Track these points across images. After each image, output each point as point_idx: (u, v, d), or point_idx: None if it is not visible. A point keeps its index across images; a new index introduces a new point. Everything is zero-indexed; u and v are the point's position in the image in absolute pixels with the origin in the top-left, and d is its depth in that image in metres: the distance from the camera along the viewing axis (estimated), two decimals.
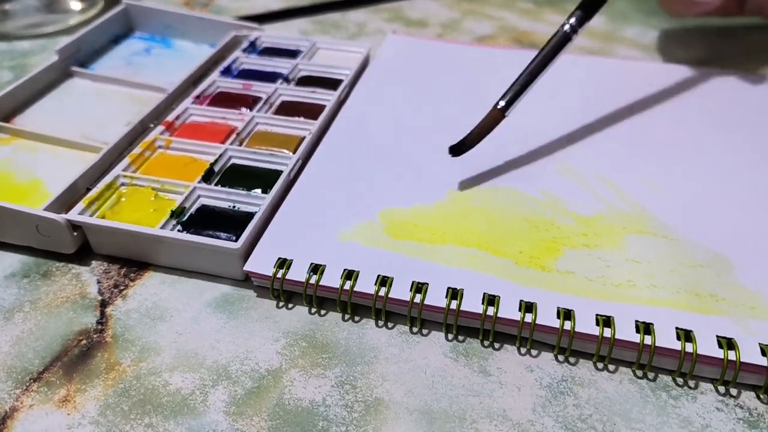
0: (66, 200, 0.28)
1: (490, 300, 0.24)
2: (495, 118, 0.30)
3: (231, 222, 0.28)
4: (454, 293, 0.24)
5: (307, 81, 0.38)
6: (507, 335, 0.25)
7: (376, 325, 0.25)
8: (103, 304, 0.26)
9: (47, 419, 0.22)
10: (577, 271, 0.26)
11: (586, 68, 0.39)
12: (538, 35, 0.47)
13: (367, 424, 0.22)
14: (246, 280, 0.27)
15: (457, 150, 0.30)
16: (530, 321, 0.23)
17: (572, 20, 0.30)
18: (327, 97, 0.36)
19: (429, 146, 0.32)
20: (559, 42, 0.30)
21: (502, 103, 0.30)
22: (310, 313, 0.26)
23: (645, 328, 0.23)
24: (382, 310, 0.25)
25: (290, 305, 0.26)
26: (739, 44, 0.44)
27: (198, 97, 0.36)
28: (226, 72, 0.38)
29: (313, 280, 0.25)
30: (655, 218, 0.28)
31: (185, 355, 0.24)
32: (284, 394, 0.23)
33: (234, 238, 0.26)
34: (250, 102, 0.36)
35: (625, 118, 0.35)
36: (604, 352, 0.24)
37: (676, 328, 0.23)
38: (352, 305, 0.25)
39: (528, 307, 0.24)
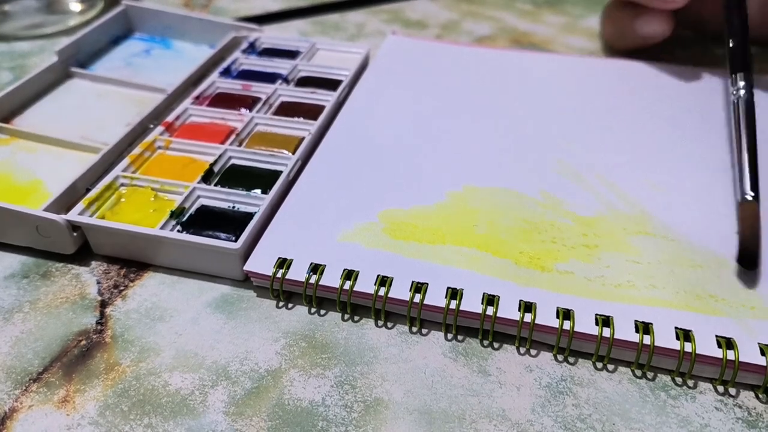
0: (66, 201, 0.28)
1: (490, 300, 0.24)
2: (754, 209, 0.27)
3: (230, 222, 0.28)
4: (453, 293, 0.24)
5: (306, 82, 0.38)
6: (506, 335, 0.25)
7: (376, 325, 0.25)
8: (103, 305, 0.26)
9: (46, 420, 0.22)
10: (576, 271, 0.26)
11: (586, 68, 0.39)
12: (537, 36, 0.47)
13: (366, 424, 0.22)
14: (245, 281, 0.27)
15: (749, 261, 0.26)
16: (530, 321, 0.23)
17: (740, 83, 0.29)
18: (326, 98, 0.36)
19: (429, 147, 0.32)
20: (748, 109, 0.29)
21: (750, 194, 0.27)
22: (309, 313, 0.26)
23: (644, 327, 0.23)
24: (381, 310, 0.25)
25: (290, 305, 0.26)
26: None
27: (197, 97, 0.36)
28: (226, 73, 0.38)
29: (312, 280, 0.25)
30: (654, 219, 0.28)
31: (185, 356, 0.24)
32: (284, 394, 0.23)
33: (233, 238, 0.26)
34: (250, 102, 0.36)
35: (624, 119, 0.35)
36: (604, 351, 0.24)
37: (676, 327, 0.23)
38: (352, 305, 0.25)
39: (527, 307, 0.24)
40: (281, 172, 0.30)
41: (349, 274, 0.25)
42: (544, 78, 0.38)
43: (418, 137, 0.33)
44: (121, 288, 0.27)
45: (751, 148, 0.28)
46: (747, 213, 0.27)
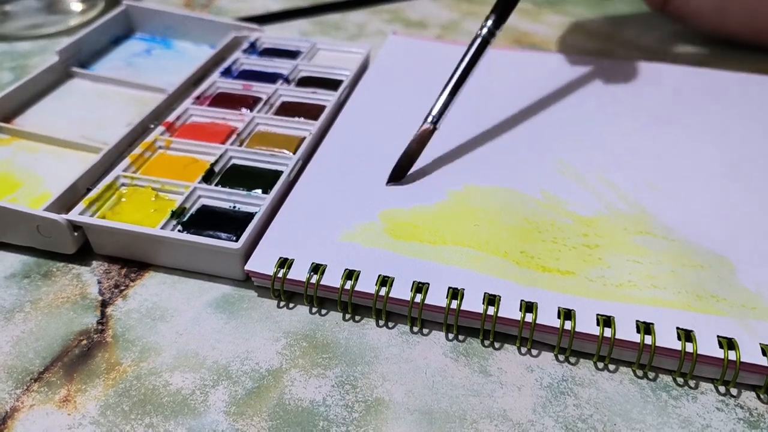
0: (66, 201, 0.28)
1: (491, 300, 0.24)
2: (428, 133, 0.30)
3: (231, 222, 0.28)
4: (454, 293, 0.24)
5: (307, 82, 0.38)
6: (507, 335, 0.25)
7: (377, 325, 0.25)
8: (104, 305, 0.26)
9: (48, 419, 0.22)
10: (577, 271, 0.26)
11: (585, 68, 0.39)
12: (537, 36, 0.47)
13: (367, 424, 0.22)
14: (246, 281, 0.27)
15: (396, 177, 0.30)
16: (531, 321, 0.23)
17: (489, 23, 0.30)
18: (327, 98, 0.36)
19: (429, 147, 0.32)
20: (480, 48, 0.30)
21: (431, 118, 0.30)
22: (310, 313, 0.26)
23: (645, 328, 0.23)
24: (382, 310, 0.25)
25: (291, 305, 0.26)
26: (738, 45, 0.44)
27: (198, 97, 0.36)
28: (227, 73, 0.38)
29: (313, 280, 0.25)
30: (655, 219, 0.28)
31: (186, 355, 0.24)
32: (284, 394, 0.22)
33: (234, 238, 0.26)
34: (251, 103, 0.36)
35: (625, 118, 0.35)
36: (605, 352, 0.24)
37: (677, 328, 0.23)
38: (353, 305, 0.25)
39: (528, 307, 0.24)
40: (282, 172, 0.30)
41: (350, 274, 0.25)
42: (544, 78, 0.38)
43: None
44: (122, 288, 0.27)
45: (457, 84, 0.30)
46: (422, 135, 0.30)
